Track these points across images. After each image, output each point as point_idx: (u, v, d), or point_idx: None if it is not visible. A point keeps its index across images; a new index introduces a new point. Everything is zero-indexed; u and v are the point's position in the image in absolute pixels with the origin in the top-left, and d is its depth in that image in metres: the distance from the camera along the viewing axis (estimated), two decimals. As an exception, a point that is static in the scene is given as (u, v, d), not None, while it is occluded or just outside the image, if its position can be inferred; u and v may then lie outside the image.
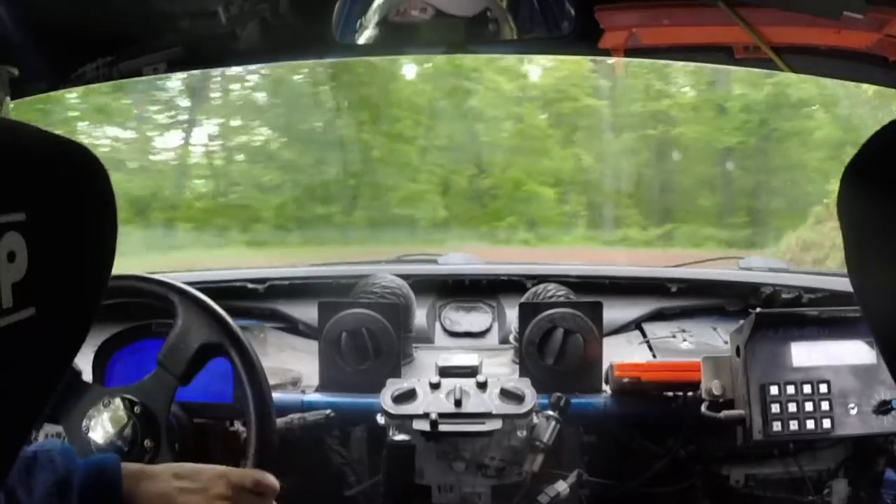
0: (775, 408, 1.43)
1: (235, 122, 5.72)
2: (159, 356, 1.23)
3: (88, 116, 5.07)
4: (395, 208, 5.63)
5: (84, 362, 1.39)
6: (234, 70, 5.25)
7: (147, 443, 1.20)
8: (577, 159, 6.00)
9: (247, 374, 1.21)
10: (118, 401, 1.21)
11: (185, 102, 5.42)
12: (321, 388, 1.59)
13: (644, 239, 5.47)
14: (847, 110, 5.66)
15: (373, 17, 1.34)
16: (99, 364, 1.42)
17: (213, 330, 1.23)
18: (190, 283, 1.26)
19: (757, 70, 1.43)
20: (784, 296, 1.84)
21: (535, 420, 1.45)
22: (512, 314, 1.76)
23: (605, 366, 1.58)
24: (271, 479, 0.92)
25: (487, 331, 1.86)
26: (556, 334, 1.57)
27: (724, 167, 5.95)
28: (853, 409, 1.44)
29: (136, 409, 1.20)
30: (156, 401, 1.22)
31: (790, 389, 1.43)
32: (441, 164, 5.85)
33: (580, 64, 5.46)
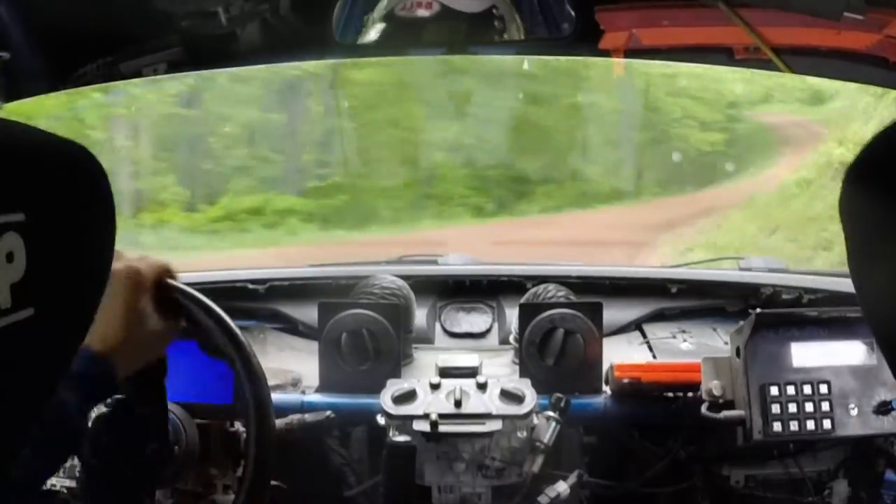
0: (775, 408, 1.43)
1: None
2: None
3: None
4: None
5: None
6: None
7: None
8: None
9: (246, 375, 1.21)
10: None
11: None
12: (321, 389, 1.59)
13: (193, 226, 3.86)
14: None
15: (379, 12, 1.34)
16: None
17: (217, 336, 1.22)
18: (189, 284, 1.26)
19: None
20: (784, 296, 1.83)
21: (536, 421, 1.45)
22: (512, 315, 1.75)
23: (605, 366, 1.58)
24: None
25: (487, 331, 1.86)
26: (557, 335, 1.57)
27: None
28: (853, 409, 1.44)
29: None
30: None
31: (790, 390, 1.43)
32: None
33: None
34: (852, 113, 6.62)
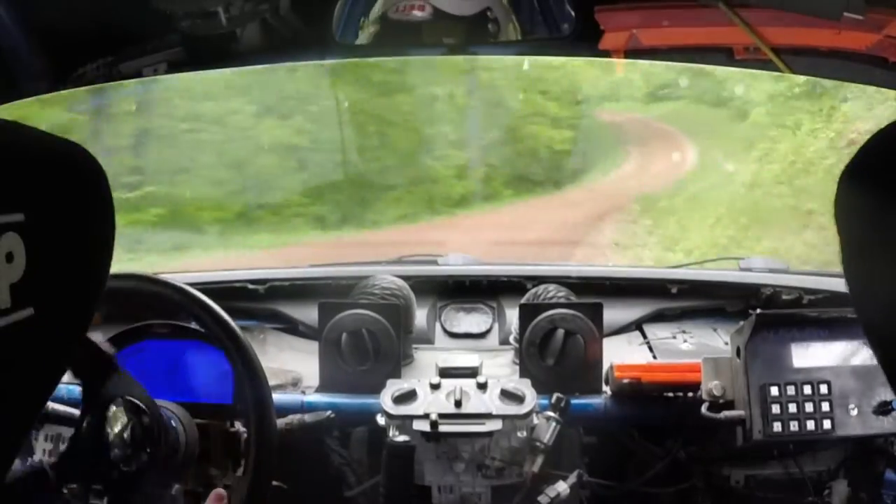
0: (775, 408, 1.43)
1: None
2: None
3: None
4: None
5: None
6: None
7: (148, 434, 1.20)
8: None
9: (247, 375, 1.21)
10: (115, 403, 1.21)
11: None
12: (321, 389, 1.59)
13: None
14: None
15: (373, 15, 1.34)
16: None
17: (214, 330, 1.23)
18: (190, 284, 1.26)
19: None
20: (784, 297, 1.84)
21: (536, 421, 1.45)
22: (512, 315, 1.76)
23: (605, 367, 1.58)
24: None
25: (488, 332, 1.86)
26: (557, 335, 1.57)
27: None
28: (853, 409, 1.44)
29: (128, 404, 1.20)
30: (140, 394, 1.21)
31: (790, 390, 1.43)
32: None
33: None
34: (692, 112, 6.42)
